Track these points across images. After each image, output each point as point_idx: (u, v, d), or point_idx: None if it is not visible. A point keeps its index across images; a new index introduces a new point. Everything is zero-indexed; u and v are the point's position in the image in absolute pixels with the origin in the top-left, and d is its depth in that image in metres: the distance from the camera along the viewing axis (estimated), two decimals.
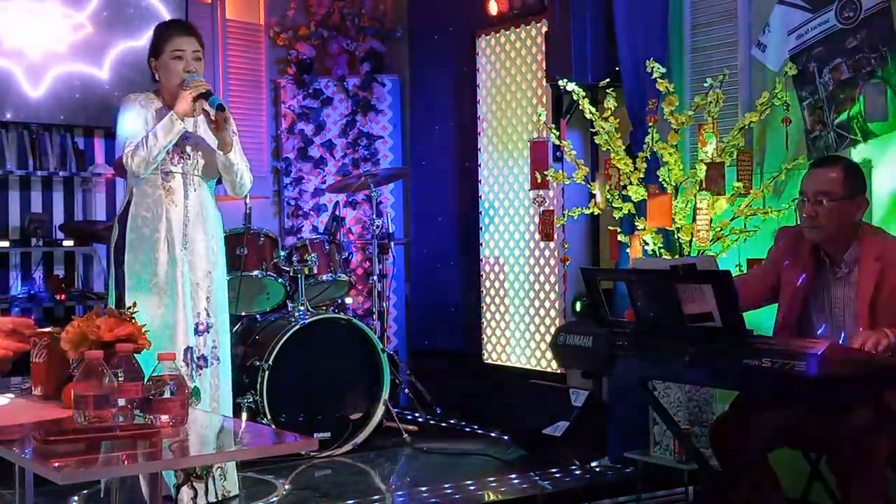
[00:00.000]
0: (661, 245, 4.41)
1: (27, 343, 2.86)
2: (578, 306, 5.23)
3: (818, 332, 3.37)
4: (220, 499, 4.00)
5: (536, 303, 5.48)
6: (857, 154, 4.01)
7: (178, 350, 3.87)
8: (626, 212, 4.48)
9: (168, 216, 3.92)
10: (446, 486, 4.42)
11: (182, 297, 3.91)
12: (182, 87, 3.88)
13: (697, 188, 4.27)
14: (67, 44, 5.95)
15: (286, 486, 4.42)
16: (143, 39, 6.01)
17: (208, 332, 4.00)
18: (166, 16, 6.06)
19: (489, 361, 5.81)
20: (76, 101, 5.98)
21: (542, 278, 5.44)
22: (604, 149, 4.67)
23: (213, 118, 3.91)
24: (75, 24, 5.98)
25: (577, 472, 4.63)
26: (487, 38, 5.79)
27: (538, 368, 5.46)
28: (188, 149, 3.97)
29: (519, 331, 5.59)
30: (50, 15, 5.90)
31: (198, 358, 3.97)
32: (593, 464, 4.72)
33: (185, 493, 3.81)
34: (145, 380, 2.45)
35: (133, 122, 3.92)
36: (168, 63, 3.93)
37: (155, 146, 3.83)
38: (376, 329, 5.52)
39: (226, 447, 2.67)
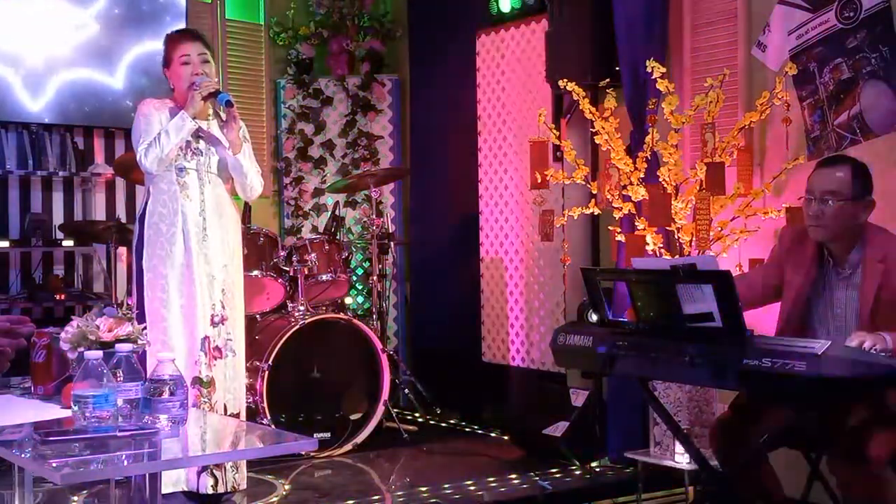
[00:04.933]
0: (661, 245, 4.41)
1: (22, 340, 2.86)
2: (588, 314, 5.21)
3: (820, 333, 3.37)
4: (229, 490, 4.12)
5: (536, 303, 5.47)
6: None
7: (196, 339, 4.05)
8: (626, 212, 4.47)
9: (183, 210, 4.06)
10: (446, 486, 4.42)
11: (199, 287, 4.05)
12: (191, 88, 4.03)
13: (697, 188, 4.27)
14: (68, 43, 5.95)
15: (286, 486, 4.42)
16: (147, 41, 6.05)
17: (223, 325, 4.13)
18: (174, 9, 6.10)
19: (489, 361, 5.80)
20: (76, 101, 5.98)
21: (541, 278, 5.44)
22: (604, 149, 4.66)
23: (222, 118, 4.09)
24: (78, 24, 5.98)
25: (577, 472, 4.63)
26: (488, 37, 5.78)
27: (538, 368, 5.46)
28: (202, 146, 4.11)
29: (519, 331, 5.59)
30: (51, 14, 5.90)
31: (213, 349, 4.09)
32: (593, 464, 4.72)
33: (206, 479, 3.97)
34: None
35: (147, 122, 4.07)
36: (178, 69, 4.11)
37: (167, 144, 3.98)
38: (376, 329, 5.52)
39: (226, 447, 2.67)
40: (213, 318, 4.09)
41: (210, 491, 4.05)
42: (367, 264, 6.35)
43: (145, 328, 2.78)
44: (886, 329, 3.09)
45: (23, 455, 2.28)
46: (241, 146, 4.11)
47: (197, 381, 3.97)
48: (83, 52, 5.99)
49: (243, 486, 4.20)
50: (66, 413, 2.54)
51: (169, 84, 4.18)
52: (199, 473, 4.04)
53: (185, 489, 4.05)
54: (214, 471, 4.04)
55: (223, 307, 4.13)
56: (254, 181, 4.20)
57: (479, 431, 5.57)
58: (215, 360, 4.09)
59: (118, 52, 6.08)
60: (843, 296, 3.35)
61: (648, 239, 4.40)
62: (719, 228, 4.27)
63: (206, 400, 3.98)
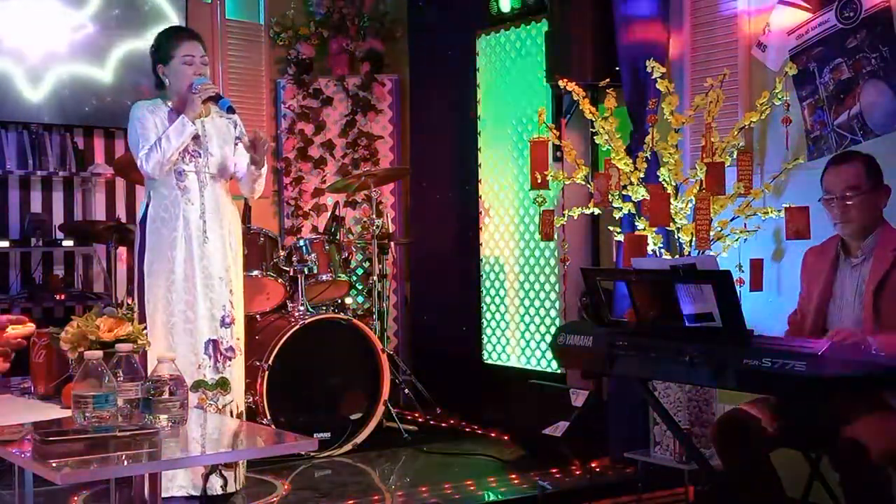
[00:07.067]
0: (661, 245, 4.41)
1: (21, 341, 2.86)
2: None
3: (829, 321, 3.42)
4: (239, 488, 4.16)
5: (536, 303, 5.47)
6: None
7: (199, 343, 4.05)
8: (626, 212, 4.47)
9: (185, 215, 4.07)
10: (446, 486, 4.42)
11: (202, 291, 4.06)
12: (191, 90, 4.02)
13: (697, 188, 4.27)
14: (68, 43, 5.95)
15: (286, 486, 4.42)
16: (147, 39, 6.03)
17: (234, 325, 4.15)
18: (171, 15, 6.09)
19: (489, 361, 5.80)
20: (76, 102, 5.98)
21: (541, 278, 5.44)
22: (604, 149, 4.67)
23: (251, 143, 4.13)
24: (77, 24, 5.98)
25: (577, 472, 4.63)
26: (487, 37, 5.78)
27: (538, 368, 5.46)
28: (200, 148, 4.11)
29: (518, 331, 5.59)
30: (51, 14, 5.89)
31: (226, 349, 4.12)
32: (593, 464, 4.72)
33: (215, 481, 3.95)
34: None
35: (143, 126, 4.06)
36: (178, 68, 4.08)
37: (168, 148, 3.99)
38: (376, 329, 5.52)
39: (226, 447, 2.67)
40: (224, 318, 4.11)
41: (219, 492, 4.04)
42: (367, 264, 6.35)
43: (145, 328, 2.78)
44: (888, 321, 3.13)
45: (23, 455, 2.28)
46: (265, 164, 4.19)
47: (200, 384, 3.95)
48: (83, 52, 5.99)
49: (241, 485, 4.21)
50: (66, 413, 2.54)
51: (163, 80, 4.12)
52: (205, 476, 4.03)
53: (194, 494, 4.03)
54: (224, 471, 4.04)
55: (232, 307, 4.14)
56: (260, 186, 4.29)
57: (479, 431, 5.57)
58: (229, 360, 4.11)
59: (118, 51, 6.08)
60: (852, 282, 3.42)
61: (649, 239, 4.40)
62: (719, 228, 4.27)
63: (212, 402, 3.96)
